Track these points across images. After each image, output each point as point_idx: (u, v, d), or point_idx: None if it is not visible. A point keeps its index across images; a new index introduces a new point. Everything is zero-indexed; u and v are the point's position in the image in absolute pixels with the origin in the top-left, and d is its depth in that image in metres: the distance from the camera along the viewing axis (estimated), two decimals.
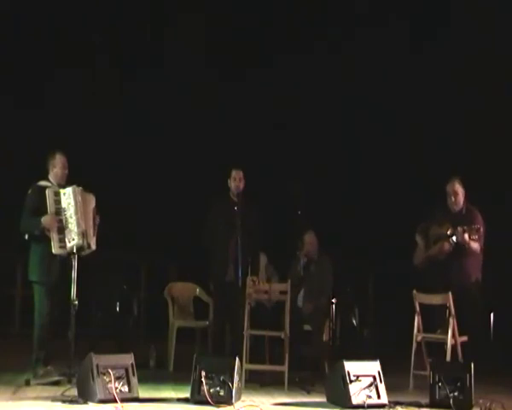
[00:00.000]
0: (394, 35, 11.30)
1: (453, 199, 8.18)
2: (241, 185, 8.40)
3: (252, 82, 11.62)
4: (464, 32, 10.74)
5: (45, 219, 7.37)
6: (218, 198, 8.56)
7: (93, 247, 7.58)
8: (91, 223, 7.55)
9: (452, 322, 7.59)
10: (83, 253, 7.51)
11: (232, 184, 8.42)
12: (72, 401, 6.40)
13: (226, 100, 11.64)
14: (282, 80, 11.63)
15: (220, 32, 11.64)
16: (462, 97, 10.80)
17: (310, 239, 8.94)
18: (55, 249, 7.37)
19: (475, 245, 7.99)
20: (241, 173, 8.42)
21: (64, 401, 6.43)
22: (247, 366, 7.65)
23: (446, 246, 8.03)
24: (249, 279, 7.99)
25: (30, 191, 7.56)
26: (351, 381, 6.52)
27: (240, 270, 8.01)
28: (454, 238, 7.95)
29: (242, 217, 8.22)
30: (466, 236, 7.91)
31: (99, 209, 7.70)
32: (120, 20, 11.65)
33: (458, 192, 8.18)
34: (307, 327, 8.69)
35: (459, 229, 7.92)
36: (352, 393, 6.49)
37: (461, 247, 7.97)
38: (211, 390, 6.46)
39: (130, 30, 11.64)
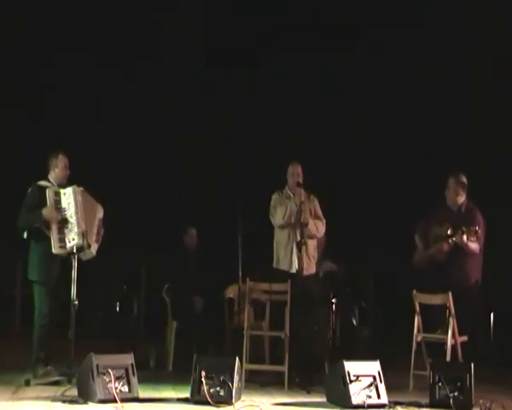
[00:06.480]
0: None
1: (454, 195, 8.14)
2: None
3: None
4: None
5: (46, 211, 7.37)
6: None
7: (93, 251, 7.58)
8: (95, 229, 7.57)
9: (452, 322, 7.58)
10: (83, 258, 7.51)
11: None
12: (72, 401, 6.42)
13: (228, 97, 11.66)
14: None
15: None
16: (461, 94, 10.82)
17: (294, 170, 8.39)
18: (55, 249, 7.37)
19: (474, 246, 7.97)
20: None
21: (64, 401, 6.44)
22: (247, 366, 7.65)
23: (445, 246, 8.00)
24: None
25: (29, 191, 7.57)
26: (351, 381, 6.52)
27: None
28: (453, 239, 7.93)
29: None
30: (464, 237, 7.88)
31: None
32: (120, 20, 11.64)
33: (458, 189, 8.15)
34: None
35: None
36: (352, 393, 6.48)
37: (459, 248, 7.96)
38: (211, 390, 6.46)
39: (129, 29, 11.63)
